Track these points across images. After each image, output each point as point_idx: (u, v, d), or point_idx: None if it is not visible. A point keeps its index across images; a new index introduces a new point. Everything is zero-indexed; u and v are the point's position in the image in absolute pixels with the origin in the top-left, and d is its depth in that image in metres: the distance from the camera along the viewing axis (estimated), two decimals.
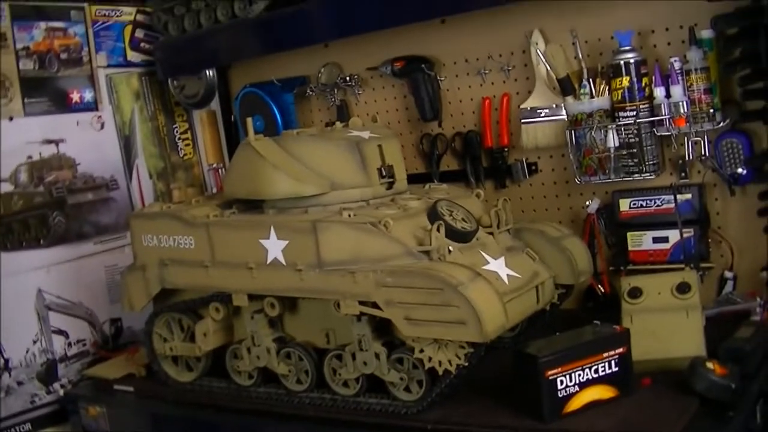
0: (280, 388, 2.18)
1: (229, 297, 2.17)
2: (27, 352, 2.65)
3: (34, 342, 2.67)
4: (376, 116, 2.33)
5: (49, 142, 2.73)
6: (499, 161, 2.62)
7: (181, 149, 3.12)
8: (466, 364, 1.86)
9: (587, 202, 2.47)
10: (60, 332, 2.74)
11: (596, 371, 1.82)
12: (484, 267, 1.97)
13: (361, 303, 1.93)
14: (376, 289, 1.88)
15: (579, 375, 1.81)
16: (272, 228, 2.02)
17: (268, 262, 2.04)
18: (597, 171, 2.38)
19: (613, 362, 1.84)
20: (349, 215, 1.96)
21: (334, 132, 2.19)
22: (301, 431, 2.07)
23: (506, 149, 2.61)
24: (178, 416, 2.32)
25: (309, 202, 2.08)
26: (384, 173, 2.11)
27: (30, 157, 2.68)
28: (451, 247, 1.95)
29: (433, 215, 2.01)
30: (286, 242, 2.01)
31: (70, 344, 2.76)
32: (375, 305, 1.91)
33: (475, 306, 1.76)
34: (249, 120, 2.16)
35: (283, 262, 2.02)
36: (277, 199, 2.11)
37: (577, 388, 1.81)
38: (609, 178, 2.37)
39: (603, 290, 2.47)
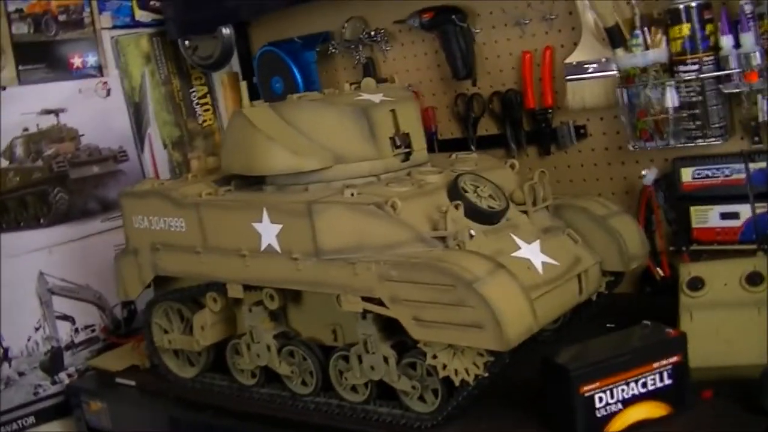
0: (284, 389, 1.92)
1: (223, 287, 1.91)
2: (29, 340, 2.44)
3: (37, 329, 2.46)
4: (393, 76, 2.02)
5: (48, 112, 2.49)
6: (542, 124, 2.29)
7: (199, 115, 2.86)
8: (486, 374, 1.56)
9: (643, 172, 2.12)
10: (66, 318, 2.52)
11: (644, 385, 1.51)
12: (514, 253, 1.68)
13: (365, 299, 1.65)
14: (379, 284, 1.60)
15: (622, 390, 1.51)
16: (265, 210, 1.75)
17: (262, 248, 1.78)
18: (653, 135, 2.03)
19: (665, 374, 1.52)
20: (352, 194, 1.67)
21: (340, 96, 1.89)
22: None
23: (550, 110, 2.28)
24: (177, 417, 2.09)
25: (310, 178, 1.80)
26: (398, 143, 1.82)
27: (26, 129, 2.45)
28: (473, 231, 1.65)
29: (454, 192, 1.71)
30: (280, 226, 1.73)
31: (77, 330, 2.54)
32: (380, 302, 1.62)
33: (494, 307, 1.46)
34: (243, 84, 1.91)
35: (278, 250, 1.75)
36: (275, 175, 1.83)
37: (620, 405, 1.51)
38: (668, 144, 2.02)
39: (662, 273, 2.13)
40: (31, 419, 2.45)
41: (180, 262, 1.96)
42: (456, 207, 1.64)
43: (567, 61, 2.16)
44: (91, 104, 2.59)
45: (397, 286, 1.57)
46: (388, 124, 1.81)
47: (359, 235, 1.64)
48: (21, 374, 2.43)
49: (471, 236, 1.64)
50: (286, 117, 1.83)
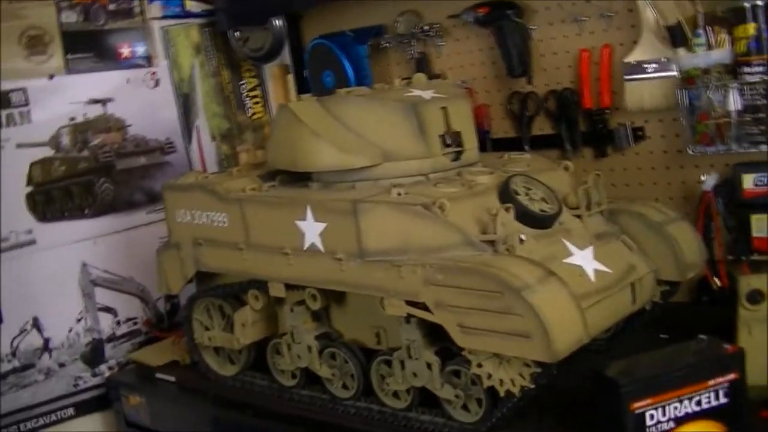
0: (325, 392, 1.87)
1: (265, 285, 1.86)
2: (70, 331, 2.43)
3: (78, 320, 2.44)
4: (446, 72, 1.95)
5: (95, 102, 2.47)
6: (599, 125, 2.21)
7: (249, 108, 2.81)
8: (532, 386, 1.49)
9: (702, 177, 2.04)
10: (108, 310, 2.50)
11: (698, 403, 1.43)
12: (566, 260, 1.61)
13: (409, 303, 1.59)
14: (424, 288, 1.54)
15: (675, 408, 1.43)
16: (309, 208, 1.70)
17: (305, 247, 1.73)
18: (714, 140, 1.95)
19: (721, 392, 1.44)
20: (399, 194, 1.62)
21: (389, 92, 1.83)
22: None
23: (608, 111, 2.20)
24: (217, 416, 2.05)
25: (357, 175, 1.74)
26: (449, 141, 1.76)
27: (73, 118, 2.43)
28: (523, 236, 1.58)
29: (505, 194, 1.64)
30: (324, 225, 1.68)
31: (119, 323, 2.52)
32: (425, 306, 1.56)
33: (542, 316, 1.40)
34: (290, 77, 1.85)
35: (321, 249, 1.70)
36: (321, 171, 1.78)
37: (672, 424, 1.43)
38: (729, 149, 1.93)
39: (720, 283, 2.04)
40: (71, 411, 2.44)
41: (222, 258, 1.92)
42: (507, 210, 1.58)
43: (626, 60, 2.08)
44: (138, 95, 2.56)
45: (442, 290, 1.51)
46: (438, 122, 1.75)
47: (405, 237, 1.59)
48: (61, 365, 2.42)
49: (521, 241, 1.58)
50: (334, 112, 1.78)
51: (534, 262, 1.51)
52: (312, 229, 1.71)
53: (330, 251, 1.68)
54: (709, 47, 1.91)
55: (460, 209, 1.59)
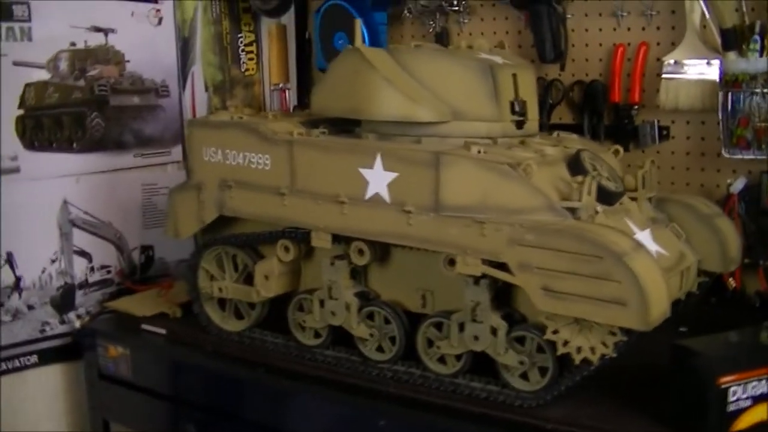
0: (353, 353, 1.79)
1: (303, 235, 1.77)
2: (43, 272, 2.26)
3: (53, 261, 2.28)
4: (503, 42, 1.91)
5: (98, 30, 2.31)
6: (624, 120, 2.22)
7: (243, 62, 2.69)
8: (614, 354, 1.46)
9: (729, 181, 2.07)
10: (83, 254, 2.34)
11: None
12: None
13: (485, 262, 1.54)
14: (508, 247, 1.49)
15: (754, 387, 1.43)
16: (379, 155, 1.62)
17: (366, 197, 1.65)
18: (751, 145, 1.98)
19: None
20: (479, 151, 1.56)
21: (460, 51, 1.78)
22: (378, 410, 1.67)
23: (635, 108, 2.20)
24: (219, 372, 1.93)
25: (422, 130, 1.68)
26: (516, 109, 1.71)
27: (74, 44, 2.27)
28: (599, 208, 1.56)
29: (576, 167, 1.61)
30: (395, 175, 1.61)
31: (92, 269, 2.36)
32: (502, 267, 1.51)
33: (643, 284, 1.37)
34: (358, 22, 1.77)
35: (387, 200, 1.62)
36: (381, 121, 1.70)
37: (749, 402, 1.43)
38: (765, 155, 1.97)
39: (734, 285, 2.07)
40: (34, 358, 2.26)
41: (257, 203, 1.81)
42: (593, 179, 1.55)
43: (665, 58, 2.09)
44: (141, 30, 2.41)
45: (530, 251, 1.46)
46: (509, 88, 1.70)
47: (484, 195, 1.53)
48: (30, 308, 2.24)
49: (596, 212, 1.55)
50: (404, 63, 1.70)
51: (622, 231, 1.49)
52: (379, 179, 1.63)
53: (398, 203, 1.61)
54: (762, 54, 1.93)
55: (540, 174, 1.55)
